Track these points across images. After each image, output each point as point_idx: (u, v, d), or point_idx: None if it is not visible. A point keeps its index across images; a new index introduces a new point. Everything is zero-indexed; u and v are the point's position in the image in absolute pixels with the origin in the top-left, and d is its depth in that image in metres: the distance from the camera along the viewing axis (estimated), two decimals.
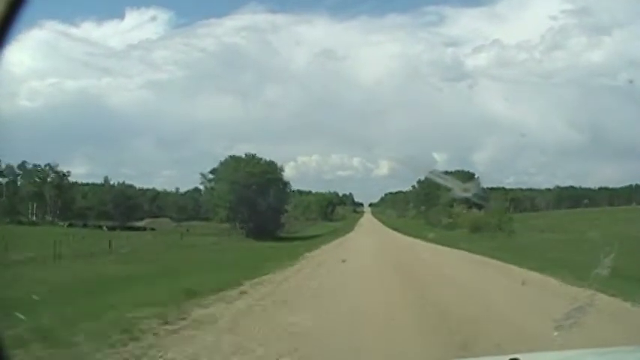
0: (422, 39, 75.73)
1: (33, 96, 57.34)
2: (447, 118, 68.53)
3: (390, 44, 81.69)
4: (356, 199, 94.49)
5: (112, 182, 51.51)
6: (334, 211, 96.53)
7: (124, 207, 52.02)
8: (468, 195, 28.24)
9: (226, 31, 77.43)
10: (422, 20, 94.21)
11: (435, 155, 60.63)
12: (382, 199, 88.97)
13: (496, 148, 71.57)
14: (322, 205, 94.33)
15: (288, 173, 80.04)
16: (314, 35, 71.24)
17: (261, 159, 39.80)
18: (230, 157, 39.74)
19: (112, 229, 47.54)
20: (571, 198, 75.05)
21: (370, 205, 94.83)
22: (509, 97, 63.95)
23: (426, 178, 66.74)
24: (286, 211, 43.48)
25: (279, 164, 41.52)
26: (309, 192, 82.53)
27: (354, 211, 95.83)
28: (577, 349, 3.72)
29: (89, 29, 61.15)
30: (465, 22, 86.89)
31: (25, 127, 46.20)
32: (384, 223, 72.48)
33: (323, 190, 79.12)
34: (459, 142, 61.83)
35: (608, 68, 65.01)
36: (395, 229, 54.12)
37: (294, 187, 76.78)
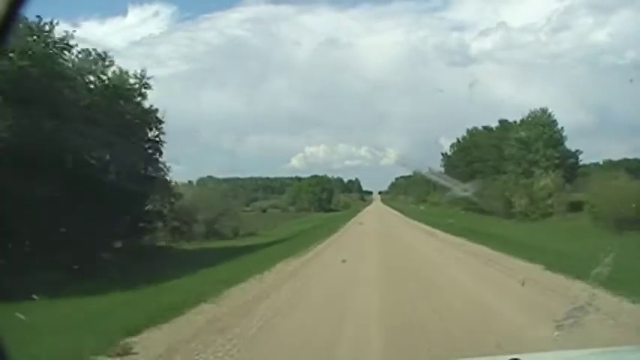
0: (427, 24, 69.69)
1: None
2: (454, 102, 62.41)
3: (394, 31, 75.42)
4: (365, 188, 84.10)
5: None
6: (332, 198, 74.14)
7: None
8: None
9: (230, 23, 74.86)
10: (426, 5, 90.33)
11: (442, 141, 55.86)
12: (393, 184, 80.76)
13: None
14: (315, 192, 71.67)
15: (296, 164, 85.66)
16: (318, 25, 73.18)
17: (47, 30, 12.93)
18: None
19: None
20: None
21: (380, 192, 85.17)
22: (515, 79, 61.92)
23: (466, 137, 43.87)
24: (146, 197, 16.43)
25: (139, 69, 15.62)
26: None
27: (362, 199, 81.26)
28: (577, 350, 3.32)
29: (92, 28, 51.57)
30: (470, 6, 78.40)
31: None
32: (403, 213, 47.25)
33: None
34: (466, 126, 48.77)
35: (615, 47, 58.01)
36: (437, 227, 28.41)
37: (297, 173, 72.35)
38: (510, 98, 63.85)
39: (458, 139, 43.78)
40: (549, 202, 27.80)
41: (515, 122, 35.14)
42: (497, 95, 61.91)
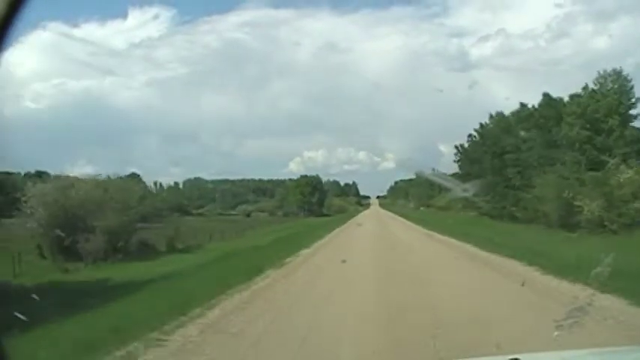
0: (426, 30, 71.98)
1: (37, 98, 58.10)
2: (453, 108, 61.28)
3: (394, 36, 75.88)
4: (363, 192, 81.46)
5: None
6: (324, 202, 66.30)
7: None
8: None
9: (229, 27, 72.38)
10: (426, 11, 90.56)
11: (442, 147, 50.83)
12: (392, 188, 77.16)
13: None
14: (305, 194, 63.90)
15: (294, 168, 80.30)
16: (317, 29, 73.80)
17: None
18: None
19: None
20: None
21: (378, 197, 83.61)
22: (515, 85, 58.01)
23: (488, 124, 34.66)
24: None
25: None
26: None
27: (359, 204, 77.08)
28: (577, 350, 3.23)
29: (92, 29, 57.65)
30: (469, 12, 78.05)
31: (31, 129, 42.51)
32: (409, 219, 38.08)
33: None
34: (465, 133, 44.19)
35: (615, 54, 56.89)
36: None
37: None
38: (510, 103, 60.52)
39: (481, 124, 34.20)
40: (638, 205, 18.25)
41: (561, 99, 25.74)
42: (497, 100, 63.48)
